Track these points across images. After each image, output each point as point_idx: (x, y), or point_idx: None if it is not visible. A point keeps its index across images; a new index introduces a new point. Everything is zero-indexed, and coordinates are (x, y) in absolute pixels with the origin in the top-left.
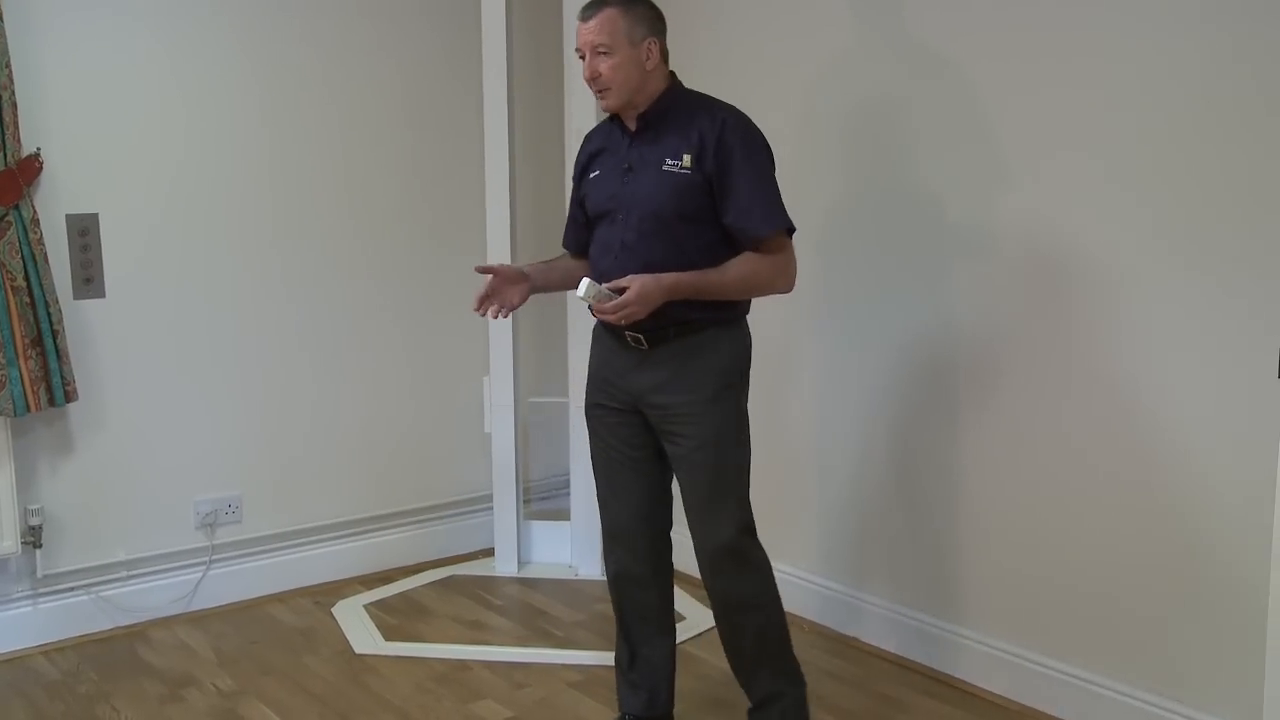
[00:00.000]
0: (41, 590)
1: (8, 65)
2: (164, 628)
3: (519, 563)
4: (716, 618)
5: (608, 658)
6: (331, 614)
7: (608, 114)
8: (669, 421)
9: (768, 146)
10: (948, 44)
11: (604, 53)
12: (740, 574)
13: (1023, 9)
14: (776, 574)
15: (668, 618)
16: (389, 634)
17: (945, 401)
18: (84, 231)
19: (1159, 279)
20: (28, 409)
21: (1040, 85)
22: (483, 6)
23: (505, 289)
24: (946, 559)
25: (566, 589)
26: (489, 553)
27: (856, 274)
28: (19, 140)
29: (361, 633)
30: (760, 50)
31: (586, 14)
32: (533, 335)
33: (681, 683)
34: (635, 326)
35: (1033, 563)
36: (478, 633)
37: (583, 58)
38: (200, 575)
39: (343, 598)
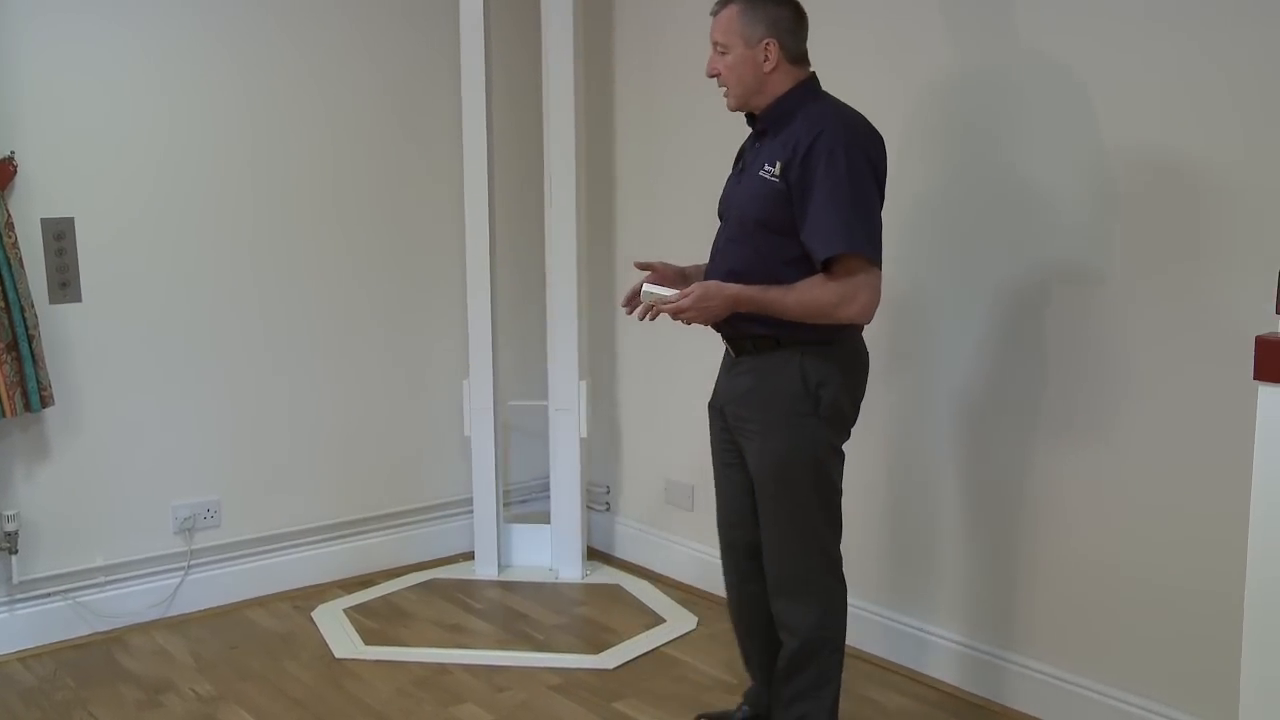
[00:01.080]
0: (18, 596)
1: None
2: (142, 633)
3: (499, 566)
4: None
5: (588, 660)
6: (311, 618)
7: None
8: (739, 434)
9: (865, 161)
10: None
11: (722, 51)
12: (794, 602)
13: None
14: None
15: (756, 616)
16: (369, 638)
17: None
18: (60, 235)
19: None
20: (3, 414)
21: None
22: (461, 13)
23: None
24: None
25: (546, 592)
26: (469, 556)
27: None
28: None
29: (341, 637)
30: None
31: (714, 8)
32: (512, 338)
33: (662, 686)
34: (722, 332)
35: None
36: (458, 636)
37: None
38: (179, 580)
39: (322, 602)
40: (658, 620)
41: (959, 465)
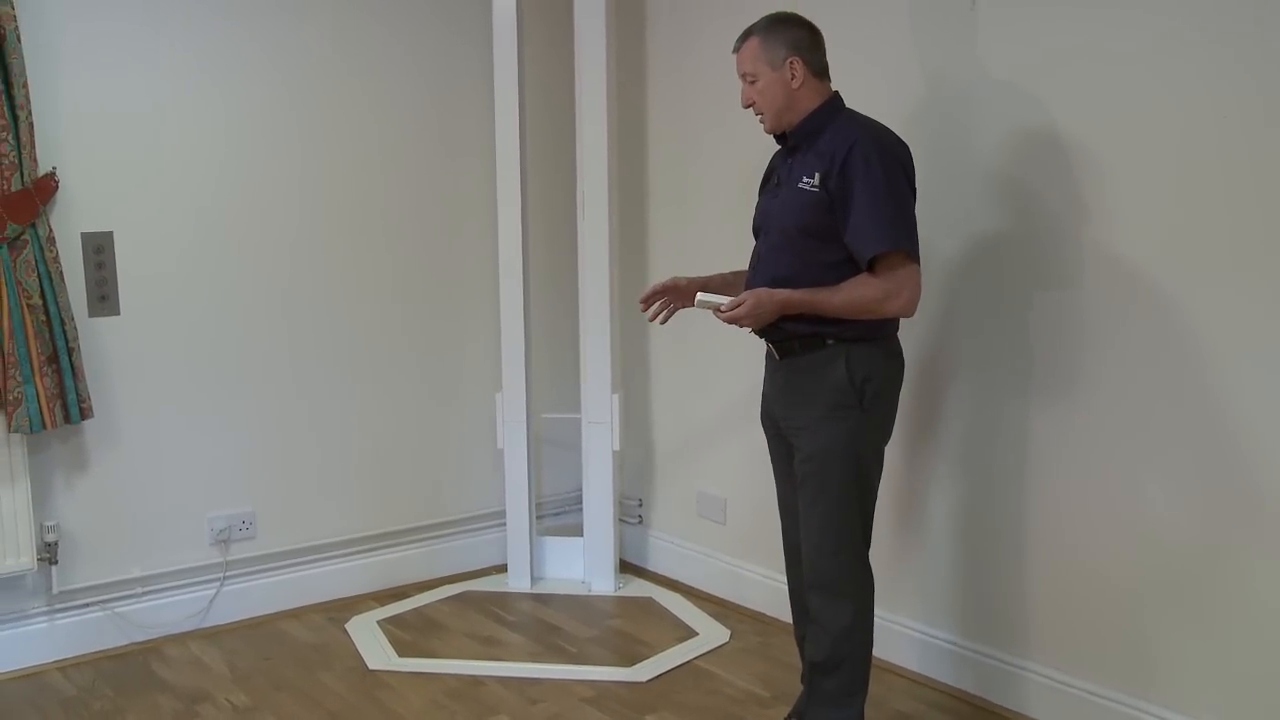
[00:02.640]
0: (57, 606)
1: (25, 85)
2: (178, 644)
3: (532, 579)
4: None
5: (621, 673)
6: (345, 630)
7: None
8: (789, 434)
9: (898, 166)
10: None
11: (752, 81)
12: (829, 598)
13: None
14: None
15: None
16: (402, 650)
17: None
18: (99, 249)
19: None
20: (44, 426)
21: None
22: (494, 31)
23: (681, 299)
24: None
25: (579, 604)
26: (501, 569)
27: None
28: (35, 160)
29: (375, 648)
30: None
31: (736, 45)
32: (545, 351)
33: (695, 699)
34: (768, 337)
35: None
36: (491, 648)
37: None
38: (214, 591)
39: (356, 613)
40: (690, 633)
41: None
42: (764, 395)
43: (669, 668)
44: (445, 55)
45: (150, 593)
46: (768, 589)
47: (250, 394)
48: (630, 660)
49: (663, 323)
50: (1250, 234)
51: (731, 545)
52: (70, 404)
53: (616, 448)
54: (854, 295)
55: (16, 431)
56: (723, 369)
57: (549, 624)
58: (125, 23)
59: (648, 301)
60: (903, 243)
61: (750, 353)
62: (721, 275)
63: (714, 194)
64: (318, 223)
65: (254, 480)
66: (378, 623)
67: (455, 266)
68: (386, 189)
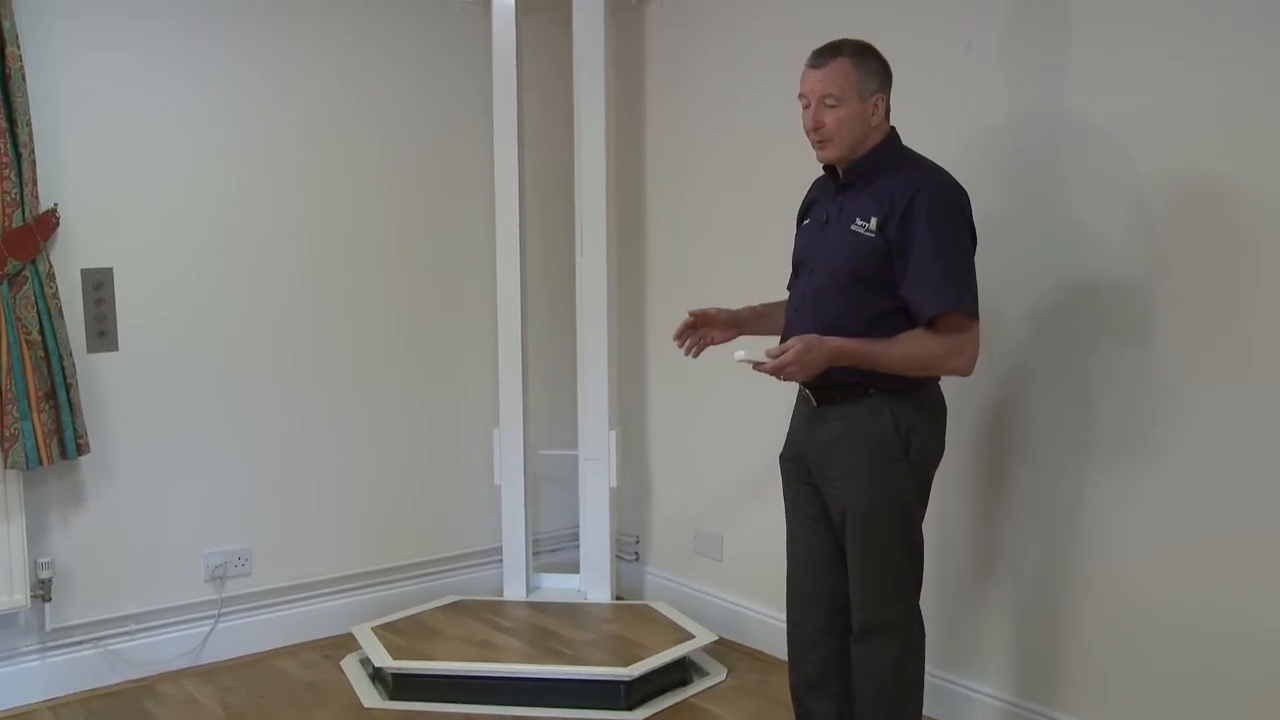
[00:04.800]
0: (49, 644)
1: (29, 124)
2: (172, 682)
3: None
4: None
5: (619, 717)
6: (340, 668)
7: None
8: (826, 484)
9: (960, 216)
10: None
11: (831, 105)
12: (876, 646)
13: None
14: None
15: (834, 682)
16: (396, 654)
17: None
18: (98, 285)
19: None
20: (40, 462)
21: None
22: (494, 73)
23: (711, 330)
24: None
25: (575, 611)
26: None
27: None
28: (37, 196)
29: (368, 688)
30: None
31: (818, 60)
32: (542, 387)
33: None
34: (809, 383)
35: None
36: (486, 651)
37: (806, 106)
38: (209, 628)
39: (351, 651)
40: (696, 671)
41: (996, 510)
42: (792, 437)
43: (666, 706)
44: (446, 91)
45: (144, 630)
46: (766, 627)
47: (247, 430)
48: (630, 704)
49: (695, 356)
50: None
51: (728, 583)
52: (67, 440)
53: (614, 484)
54: (913, 351)
55: (13, 468)
56: (721, 406)
57: (545, 628)
58: (126, 61)
59: (680, 337)
60: (966, 301)
61: (748, 391)
62: (752, 308)
63: (712, 231)
64: (316, 259)
65: (250, 516)
66: (371, 629)
67: (453, 303)
68: (386, 225)
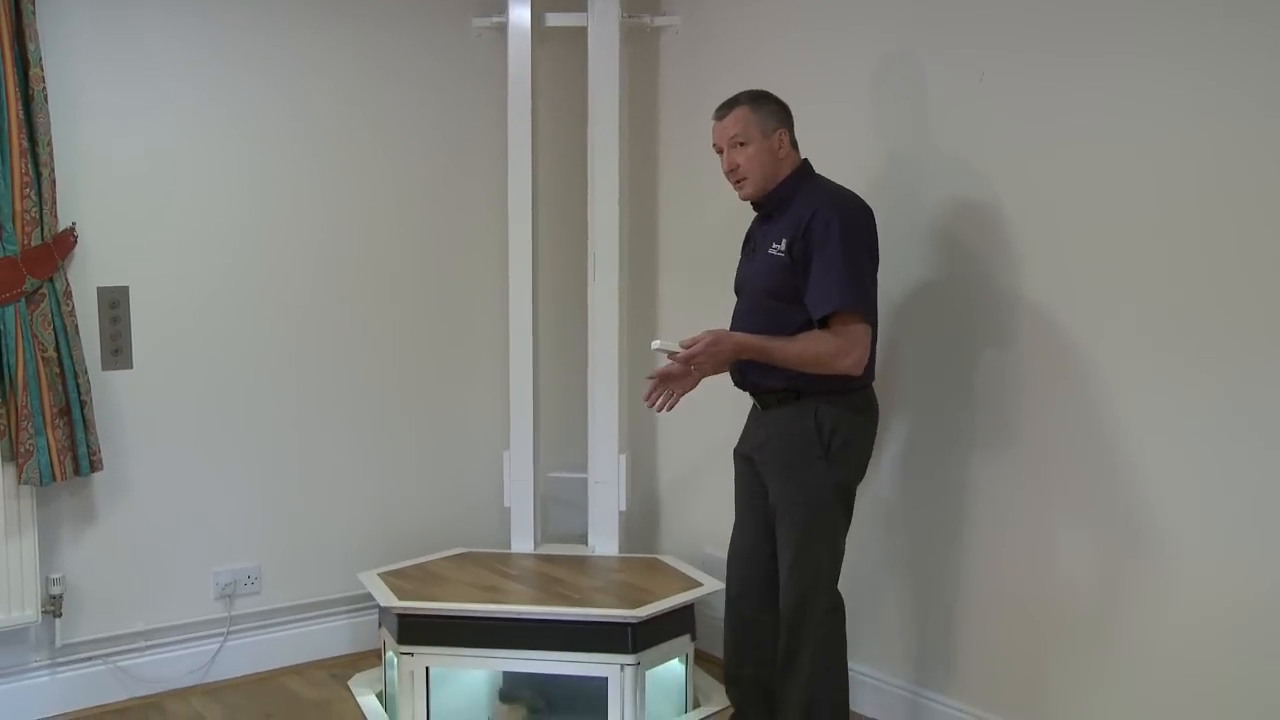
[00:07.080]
0: (59, 660)
1: (49, 143)
2: (180, 699)
3: None
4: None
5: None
6: (348, 687)
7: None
8: (765, 477)
9: (855, 231)
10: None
11: (741, 144)
12: (801, 637)
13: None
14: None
15: (760, 649)
16: (403, 596)
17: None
18: (114, 304)
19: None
20: (54, 478)
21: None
22: (509, 96)
23: (678, 378)
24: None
25: (582, 562)
26: None
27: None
28: (56, 215)
29: (375, 709)
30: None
31: (721, 112)
32: (553, 410)
33: None
34: (751, 390)
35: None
36: (493, 594)
37: (720, 152)
38: (218, 646)
39: (359, 670)
40: (694, 702)
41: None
42: (743, 434)
43: None
44: (462, 116)
45: (153, 647)
46: None
47: (259, 449)
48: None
49: (669, 410)
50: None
51: None
52: (81, 456)
53: (623, 508)
54: (806, 348)
55: (26, 483)
56: (729, 432)
57: (552, 576)
58: (145, 82)
59: (651, 398)
60: (854, 303)
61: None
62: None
63: (723, 258)
64: (330, 280)
65: (261, 535)
66: (378, 575)
67: (465, 325)
68: (399, 247)
